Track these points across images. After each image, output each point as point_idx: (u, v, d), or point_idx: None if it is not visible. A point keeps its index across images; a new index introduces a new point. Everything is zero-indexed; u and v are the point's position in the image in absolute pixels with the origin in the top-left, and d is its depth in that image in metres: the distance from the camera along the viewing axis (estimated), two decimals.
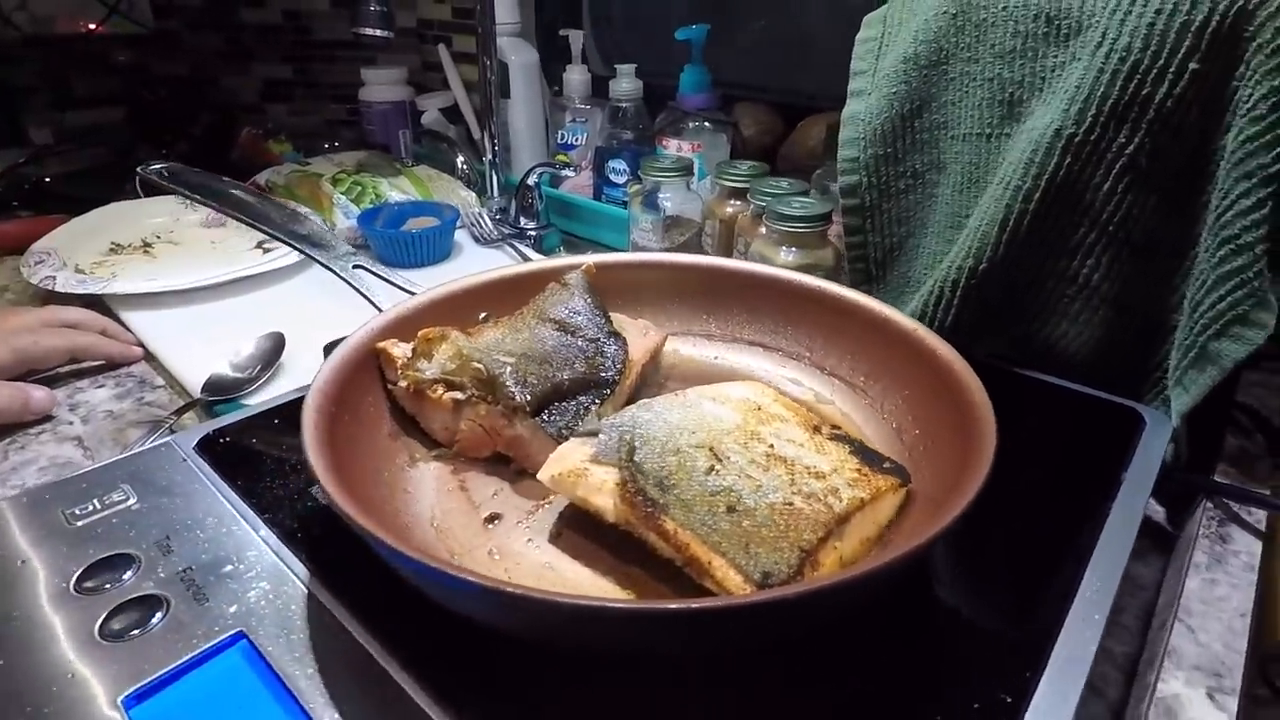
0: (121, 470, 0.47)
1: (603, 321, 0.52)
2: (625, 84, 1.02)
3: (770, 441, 0.42)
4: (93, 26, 1.31)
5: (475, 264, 0.97)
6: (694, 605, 0.28)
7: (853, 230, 0.70)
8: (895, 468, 0.42)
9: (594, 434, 0.42)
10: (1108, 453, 0.50)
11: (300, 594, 0.38)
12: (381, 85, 1.30)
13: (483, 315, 0.56)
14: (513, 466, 0.46)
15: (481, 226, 1.05)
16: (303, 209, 0.63)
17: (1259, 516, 0.48)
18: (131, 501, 0.44)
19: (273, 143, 1.29)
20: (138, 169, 0.61)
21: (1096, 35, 0.51)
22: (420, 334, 0.48)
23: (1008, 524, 0.44)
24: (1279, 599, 0.46)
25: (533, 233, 1.07)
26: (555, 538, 0.41)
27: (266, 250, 0.95)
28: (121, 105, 1.35)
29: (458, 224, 1.00)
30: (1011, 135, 0.58)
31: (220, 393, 0.66)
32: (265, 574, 0.39)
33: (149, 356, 0.77)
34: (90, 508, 0.44)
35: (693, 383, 0.56)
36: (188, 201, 0.95)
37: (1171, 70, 0.48)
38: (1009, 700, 0.33)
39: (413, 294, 0.54)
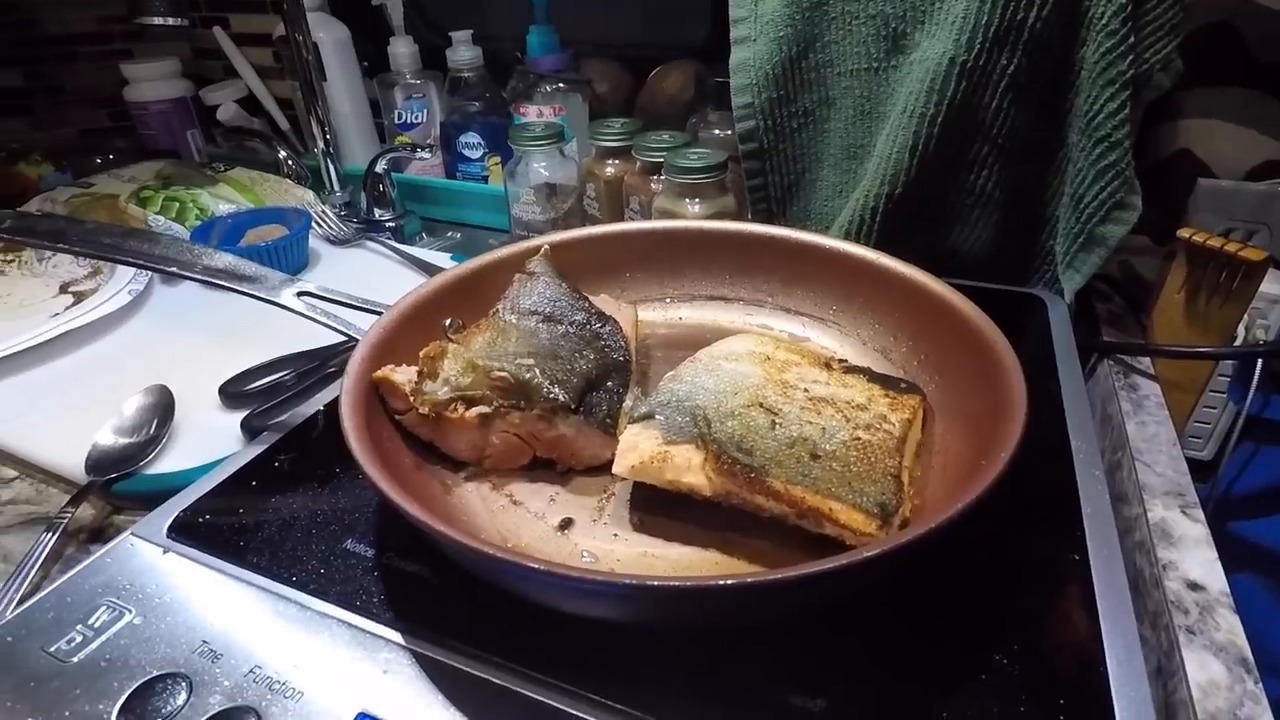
0: (87, 586, 0.39)
1: (585, 304, 0.51)
2: (464, 52, 0.97)
3: (803, 387, 0.45)
4: None
5: (341, 268, 0.88)
6: (870, 553, 0.30)
7: (753, 173, 0.74)
8: (911, 385, 0.46)
9: (649, 416, 0.42)
10: (1030, 338, 0.58)
11: (405, 659, 0.35)
12: (153, 82, 1.12)
13: (448, 321, 0.52)
14: (557, 468, 0.44)
15: (331, 226, 0.96)
16: (201, 246, 0.53)
17: (1145, 362, 0.59)
18: (130, 617, 0.37)
19: (24, 165, 1.06)
20: None
21: None
22: (422, 354, 0.44)
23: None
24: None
25: (391, 223, 1.00)
26: (639, 526, 0.41)
27: (77, 295, 0.80)
28: None
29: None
30: (899, 67, 0.64)
31: (114, 468, 0.56)
32: (350, 647, 0.35)
33: None
34: (78, 638, 0.36)
35: (671, 347, 0.57)
36: None
37: None
38: (1075, 558, 0.38)
39: (376, 311, 0.49)
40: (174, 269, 0.45)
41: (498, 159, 1.00)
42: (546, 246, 0.55)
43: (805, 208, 0.75)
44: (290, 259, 0.86)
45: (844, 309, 0.56)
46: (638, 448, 0.40)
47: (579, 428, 0.43)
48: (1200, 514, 0.45)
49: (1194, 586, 0.40)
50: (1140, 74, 0.55)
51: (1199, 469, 0.72)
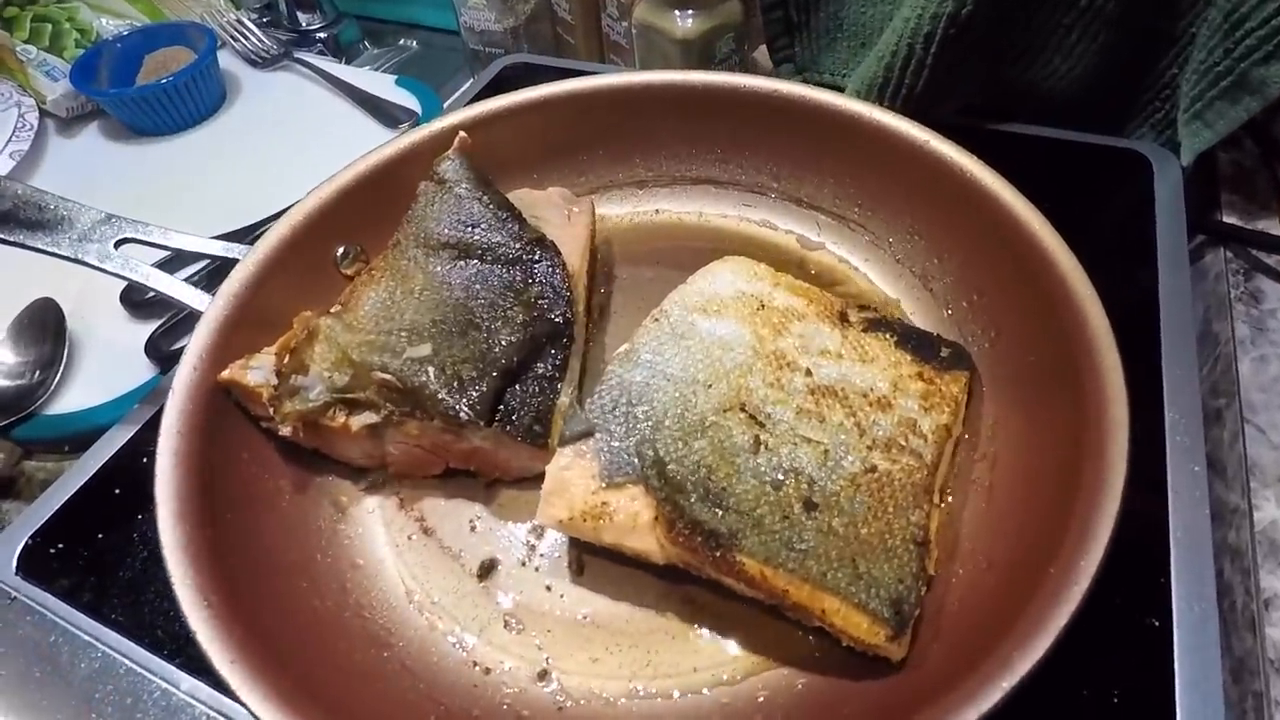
0: None
1: (515, 227, 0.38)
2: None
3: (804, 365, 0.33)
4: None
5: (264, 102, 0.72)
6: None
7: None
8: (954, 353, 0.34)
9: (587, 433, 0.31)
10: (1123, 217, 0.43)
11: None
12: None
13: (341, 251, 0.40)
14: (480, 479, 0.35)
15: (250, 41, 0.77)
16: None
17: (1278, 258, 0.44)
18: None
19: None
20: None
21: None
22: (280, 344, 0.32)
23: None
24: None
25: (323, 34, 0.81)
26: (579, 573, 0.32)
27: None
28: None
29: (218, 47, 0.72)
30: None
31: (9, 411, 0.48)
32: None
33: None
34: None
35: (642, 256, 0.44)
36: None
37: None
38: (1155, 624, 0.29)
39: (232, 259, 0.36)
40: None
41: None
42: (462, 134, 0.40)
43: (835, 14, 0.56)
44: (200, 97, 0.70)
45: (874, 208, 0.41)
46: (568, 491, 0.29)
47: (496, 440, 0.32)
48: None
49: None
50: None
51: None
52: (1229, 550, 0.35)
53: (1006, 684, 0.20)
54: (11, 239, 0.33)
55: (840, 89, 0.53)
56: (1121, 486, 0.24)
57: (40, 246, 0.33)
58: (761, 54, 0.61)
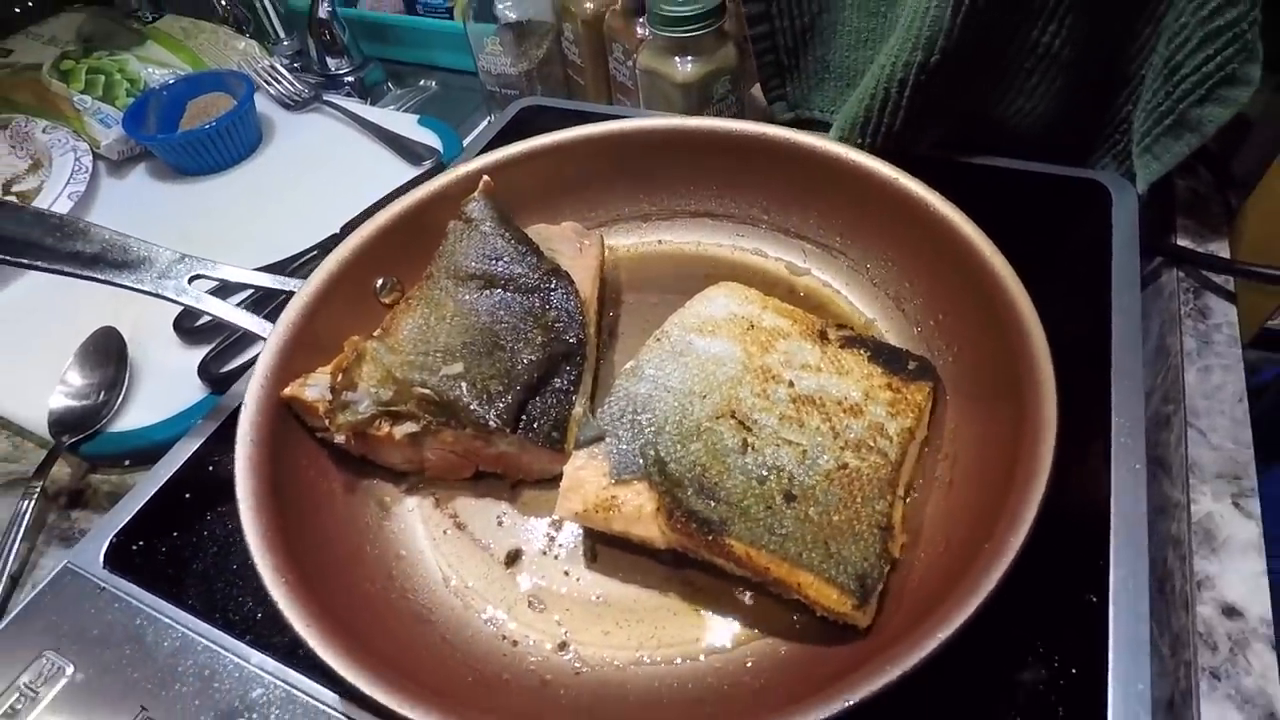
0: (30, 630, 0.37)
1: (533, 259, 0.43)
2: None
3: (788, 378, 0.37)
4: None
5: (297, 143, 0.78)
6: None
7: (756, 19, 0.59)
8: (920, 366, 0.39)
9: (599, 438, 0.36)
10: (1084, 241, 0.47)
11: None
12: None
13: (380, 283, 0.45)
14: (506, 480, 0.40)
15: (283, 85, 0.84)
16: (75, 220, 0.45)
17: (1227, 276, 0.49)
18: (71, 672, 0.36)
19: None
20: None
21: None
22: (334, 364, 0.37)
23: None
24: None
25: (350, 78, 0.87)
26: (593, 560, 0.36)
27: (21, 197, 0.73)
28: None
29: (254, 92, 0.78)
30: None
31: (77, 429, 0.54)
32: (287, 715, 0.33)
33: None
34: (21, 700, 0.35)
35: (646, 289, 0.49)
36: None
37: None
38: (1093, 599, 0.33)
39: (277, 289, 0.42)
40: (41, 262, 0.38)
41: None
42: (486, 178, 0.46)
43: (823, 58, 0.61)
44: (239, 139, 0.76)
45: (853, 237, 0.46)
46: (582, 488, 0.34)
47: (520, 446, 0.37)
48: (1256, 505, 0.38)
49: (1230, 612, 0.35)
50: None
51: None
52: (1170, 540, 0.40)
53: (943, 634, 0.25)
54: (102, 277, 0.38)
55: (828, 125, 0.58)
56: (1046, 478, 0.29)
57: (126, 284, 0.39)
58: (757, 93, 0.66)
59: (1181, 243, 0.51)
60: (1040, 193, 0.53)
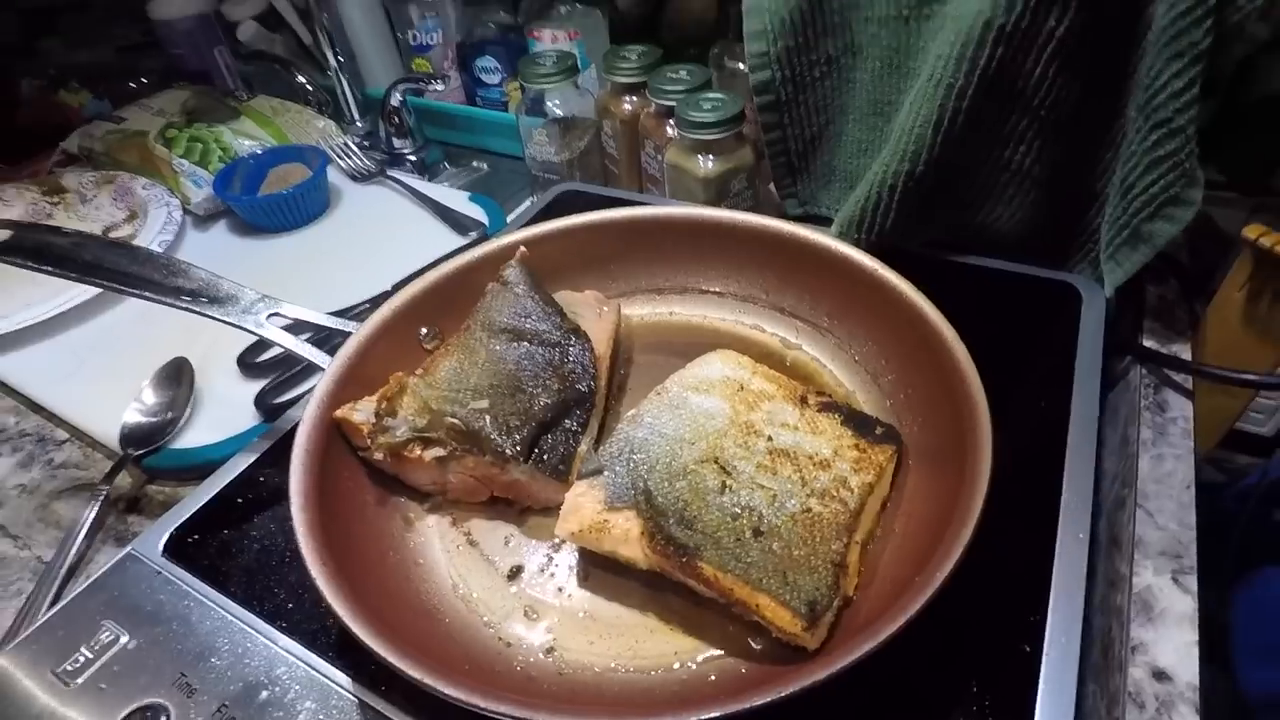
0: (94, 603, 0.43)
1: (557, 319, 0.49)
2: None
3: (767, 433, 0.43)
4: None
5: (361, 210, 0.88)
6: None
7: (770, 126, 0.67)
8: (886, 432, 0.44)
9: (598, 471, 0.41)
10: (1055, 338, 0.53)
11: (351, 705, 0.38)
12: None
13: (424, 330, 0.52)
14: (515, 506, 0.45)
15: (353, 160, 0.94)
16: (178, 261, 0.53)
17: (1186, 375, 0.53)
18: (125, 640, 0.41)
19: (65, 93, 1.07)
20: None
21: None
22: (379, 394, 0.44)
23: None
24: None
25: (412, 156, 0.97)
26: (584, 580, 0.41)
27: None
28: None
29: (328, 165, 0.89)
30: (932, 17, 0.55)
31: (144, 443, 0.60)
32: (305, 691, 0.38)
33: (35, 407, 0.69)
34: (81, 659, 0.40)
35: (654, 351, 0.55)
36: None
37: None
38: (1027, 649, 0.37)
39: (341, 330, 0.49)
40: (149, 293, 0.46)
41: (517, 84, 0.94)
42: (522, 249, 0.53)
43: (829, 163, 0.68)
44: (310, 204, 0.86)
45: (840, 319, 0.52)
46: (579, 511, 0.40)
47: (531, 474, 0.43)
48: (1193, 582, 0.42)
49: (1160, 676, 0.38)
50: (1228, 29, 0.46)
51: (1259, 445, 0.66)
52: (1114, 610, 0.43)
53: (867, 646, 0.29)
54: (197, 309, 0.46)
55: (831, 220, 0.65)
56: (974, 523, 0.33)
57: (216, 315, 0.46)
58: (771, 189, 0.74)
59: (1148, 344, 0.56)
60: (1018, 291, 0.58)
